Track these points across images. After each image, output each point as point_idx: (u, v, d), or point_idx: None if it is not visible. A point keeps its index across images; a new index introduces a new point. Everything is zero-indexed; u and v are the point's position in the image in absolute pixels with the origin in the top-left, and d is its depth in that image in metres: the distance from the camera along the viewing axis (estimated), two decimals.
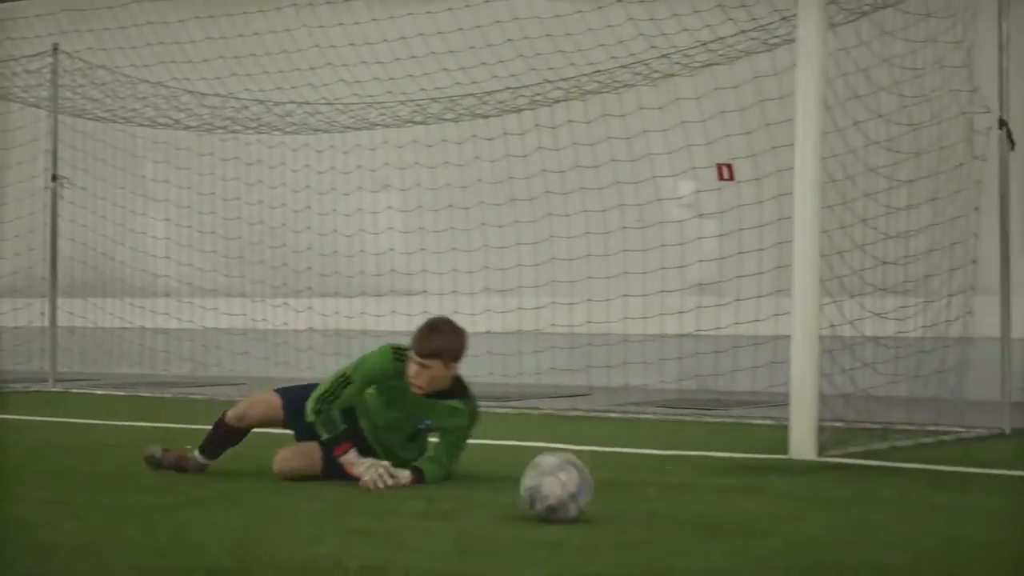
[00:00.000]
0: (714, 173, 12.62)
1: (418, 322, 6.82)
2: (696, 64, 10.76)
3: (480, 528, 5.73)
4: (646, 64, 10.85)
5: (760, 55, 10.00)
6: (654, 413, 11.33)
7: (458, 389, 7.04)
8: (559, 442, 8.65)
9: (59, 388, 14.08)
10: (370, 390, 7.11)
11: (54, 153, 14.40)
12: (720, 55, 10.48)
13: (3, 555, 5.05)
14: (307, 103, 12.58)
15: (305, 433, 7.22)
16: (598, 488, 5.96)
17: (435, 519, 5.92)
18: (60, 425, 10.54)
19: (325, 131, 13.24)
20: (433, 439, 7.21)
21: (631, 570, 4.89)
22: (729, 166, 12.54)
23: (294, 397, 7.24)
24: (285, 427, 7.34)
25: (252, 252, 14.69)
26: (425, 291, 13.51)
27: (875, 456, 8.47)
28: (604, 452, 8.70)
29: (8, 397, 13.10)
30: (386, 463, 6.95)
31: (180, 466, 7.40)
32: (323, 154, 13.73)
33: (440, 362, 6.84)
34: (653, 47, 10.63)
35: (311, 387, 7.14)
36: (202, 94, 13.13)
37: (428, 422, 7.08)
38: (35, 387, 14.18)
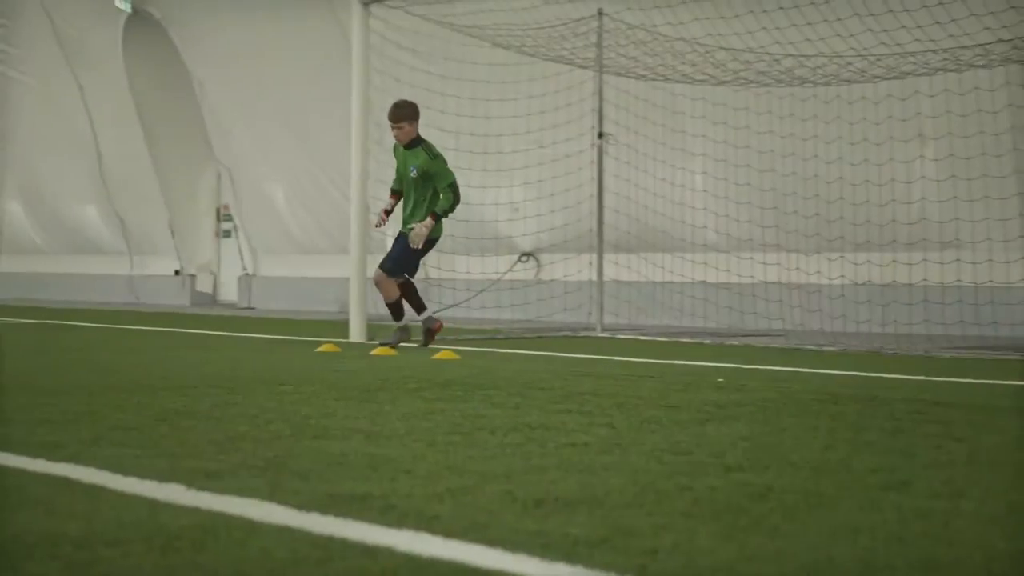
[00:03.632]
0: None
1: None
2: None
3: None
4: None
5: None
6: None
7: (421, 142, 11.87)
8: None
9: (605, 335, 14.70)
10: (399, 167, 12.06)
11: (600, 112, 15.13)
12: None
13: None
14: (837, 55, 12.73)
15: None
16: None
17: None
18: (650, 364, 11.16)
19: (856, 82, 13.31)
20: None
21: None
22: None
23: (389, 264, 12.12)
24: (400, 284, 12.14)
25: (785, 204, 14.89)
26: (957, 239, 13.39)
27: None
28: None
29: (556, 341, 13.90)
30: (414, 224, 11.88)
31: (404, 338, 12.01)
32: (854, 105, 13.80)
33: (393, 123, 11.79)
34: None
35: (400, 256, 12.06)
36: (735, 49, 13.45)
37: (412, 168, 11.68)
38: (583, 334, 14.91)
